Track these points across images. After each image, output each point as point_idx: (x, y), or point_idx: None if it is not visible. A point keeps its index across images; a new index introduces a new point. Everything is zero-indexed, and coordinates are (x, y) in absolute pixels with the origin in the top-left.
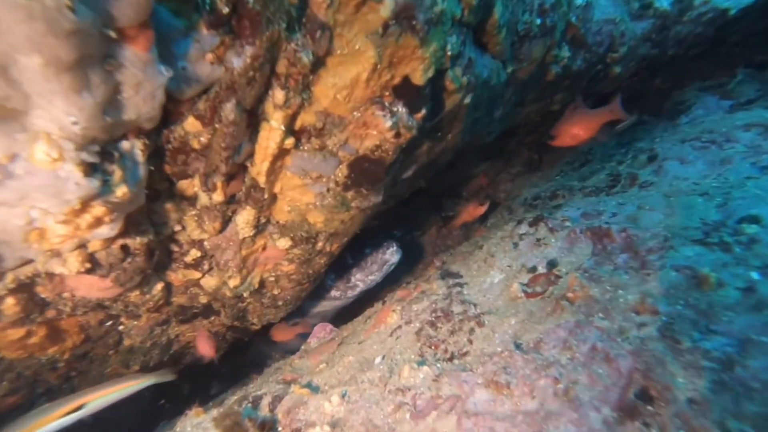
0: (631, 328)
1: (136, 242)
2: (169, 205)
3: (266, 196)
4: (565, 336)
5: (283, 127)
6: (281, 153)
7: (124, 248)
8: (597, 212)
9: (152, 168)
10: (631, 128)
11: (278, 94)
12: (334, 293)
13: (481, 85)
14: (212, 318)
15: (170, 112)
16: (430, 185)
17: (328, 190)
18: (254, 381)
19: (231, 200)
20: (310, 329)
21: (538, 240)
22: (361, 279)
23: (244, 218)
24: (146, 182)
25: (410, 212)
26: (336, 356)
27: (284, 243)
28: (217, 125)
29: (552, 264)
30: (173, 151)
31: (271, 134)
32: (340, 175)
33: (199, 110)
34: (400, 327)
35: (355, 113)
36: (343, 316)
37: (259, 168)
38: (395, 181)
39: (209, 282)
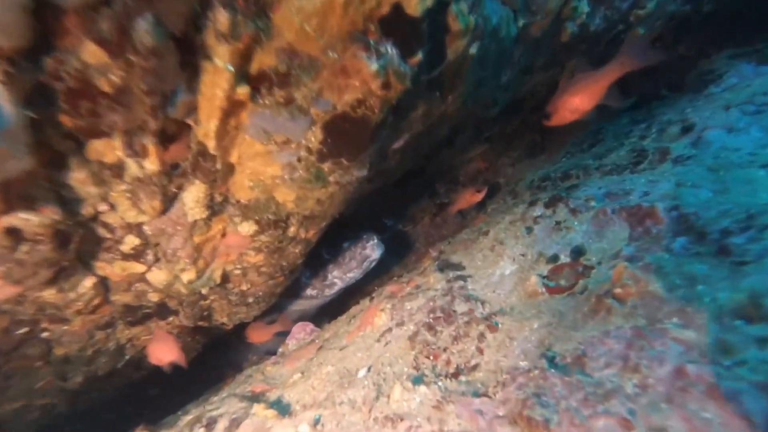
0: (743, 345)
1: (31, 224)
2: (81, 175)
3: (219, 166)
4: (621, 349)
5: (231, 68)
6: (234, 107)
7: (12, 233)
8: (623, 191)
9: (36, 116)
10: (646, 103)
11: (221, 18)
12: (310, 291)
13: (490, 35)
14: (170, 318)
15: (51, 27)
16: (424, 166)
17: (298, 159)
18: (226, 387)
19: (173, 171)
20: (290, 327)
21: (558, 223)
22: (339, 276)
23: (192, 195)
24: (29, 137)
25: (401, 198)
26: (314, 364)
27: (248, 228)
28: (131, 56)
29: (578, 251)
30: (71, 94)
31: (216, 78)
32: (313, 140)
33: (102, 31)
34: (389, 330)
35: (330, 53)
36: (332, 310)
37: (206, 128)
38: (383, 153)
39: (157, 276)
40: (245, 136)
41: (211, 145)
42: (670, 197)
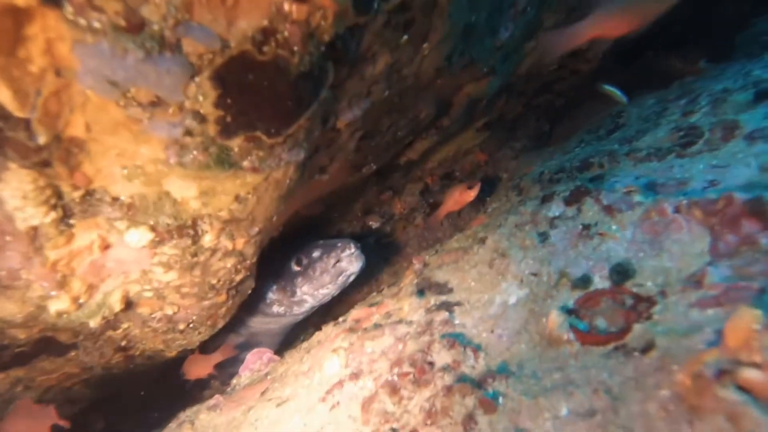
0: None
1: None
2: None
3: (44, 138)
4: None
5: None
6: (25, 22)
7: None
8: (675, 181)
9: None
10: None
11: None
12: (276, 309)
13: None
14: (70, 354)
15: None
16: (411, 158)
17: (187, 133)
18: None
19: None
20: (233, 355)
21: (586, 227)
22: (309, 293)
23: (12, 188)
24: None
25: (387, 195)
26: (248, 421)
27: (139, 237)
28: None
29: (622, 271)
30: None
31: None
32: (201, 99)
33: None
34: (341, 384)
35: None
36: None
37: None
38: (329, 126)
39: (6, 308)
40: (83, 89)
41: (5, 98)
42: (760, 188)
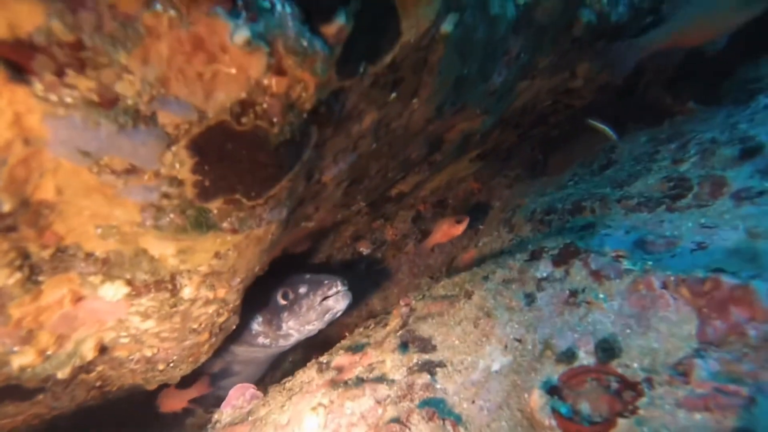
0: None
1: None
2: None
3: (7, 206)
4: None
5: None
6: None
7: None
8: (665, 240)
9: None
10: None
11: None
12: (262, 340)
13: (475, 6)
14: (37, 397)
15: None
16: (402, 190)
17: (164, 196)
18: None
19: None
20: (208, 391)
21: (574, 293)
22: (295, 328)
23: None
24: None
25: (378, 222)
26: None
27: (115, 291)
28: None
29: (609, 348)
30: None
31: None
32: (178, 166)
33: None
34: None
35: (156, 4)
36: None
37: None
38: (314, 181)
39: None
40: (55, 157)
41: None
42: (747, 256)
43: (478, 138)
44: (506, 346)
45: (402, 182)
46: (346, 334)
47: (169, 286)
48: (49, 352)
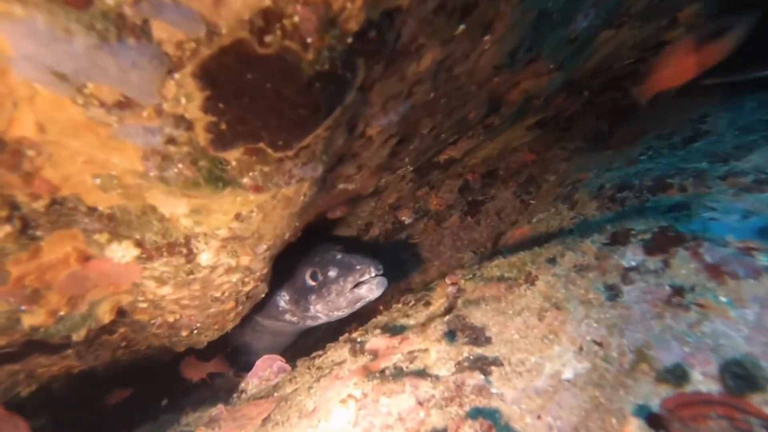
0: None
1: None
2: None
3: None
4: None
5: None
6: None
7: None
8: None
9: None
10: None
11: None
12: (289, 317)
13: None
14: (66, 352)
15: None
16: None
17: (169, 140)
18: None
19: None
20: (225, 371)
21: (678, 291)
22: (323, 313)
23: None
24: None
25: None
26: None
27: (123, 252)
28: None
29: (745, 376)
30: None
31: None
32: (184, 101)
33: None
34: None
35: None
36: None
37: None
38: (359, 133)
39: None
40: (26, 80)
41: None
42: None
43: (541, 102)
44: (581, 349)
45: (453, 147)
46: (381, 308)
47: (184, 251)
48: (61, 313)
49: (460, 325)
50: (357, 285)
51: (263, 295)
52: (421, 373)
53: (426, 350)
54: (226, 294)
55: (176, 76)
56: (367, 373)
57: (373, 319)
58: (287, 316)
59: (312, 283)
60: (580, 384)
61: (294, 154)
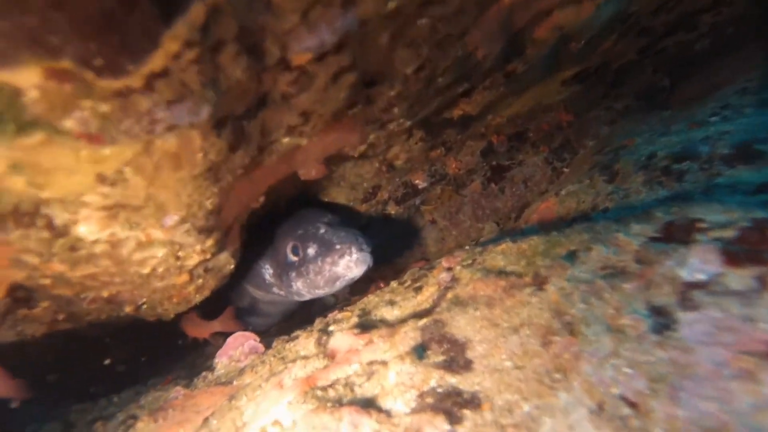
0: None
1: None
2: None
3: None
4: None
5: None
6: None
7: None
8: None
9: None
10: None
11: None
12: (276, 291)
13: None
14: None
15: None
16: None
17: None
18: None
19: None
20: (232, 329)
21: None
22: (305, 290)
23: None
24: None
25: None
26: None
27: None
28: None
29: None
30: None
31: None
32: None
33: None
34: None
35: None
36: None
37: None
38: (275, 60)
39: None
40: None
41: None
42: None
43: (582, 46)
44: (602, 408)
45: (466, 100)
46: (382, 285)
47: (39, 222)
48: None
49: (437, 335)
50: (334, 265)
51: (230, 267)
52: (370, 403)
53: (386, 365)
54: (162, 269)
55: None
56: (309, 389)
57: (364, 299)
58: (275, 290)
59: (293, 258)
60: None
61: (143, 85)
